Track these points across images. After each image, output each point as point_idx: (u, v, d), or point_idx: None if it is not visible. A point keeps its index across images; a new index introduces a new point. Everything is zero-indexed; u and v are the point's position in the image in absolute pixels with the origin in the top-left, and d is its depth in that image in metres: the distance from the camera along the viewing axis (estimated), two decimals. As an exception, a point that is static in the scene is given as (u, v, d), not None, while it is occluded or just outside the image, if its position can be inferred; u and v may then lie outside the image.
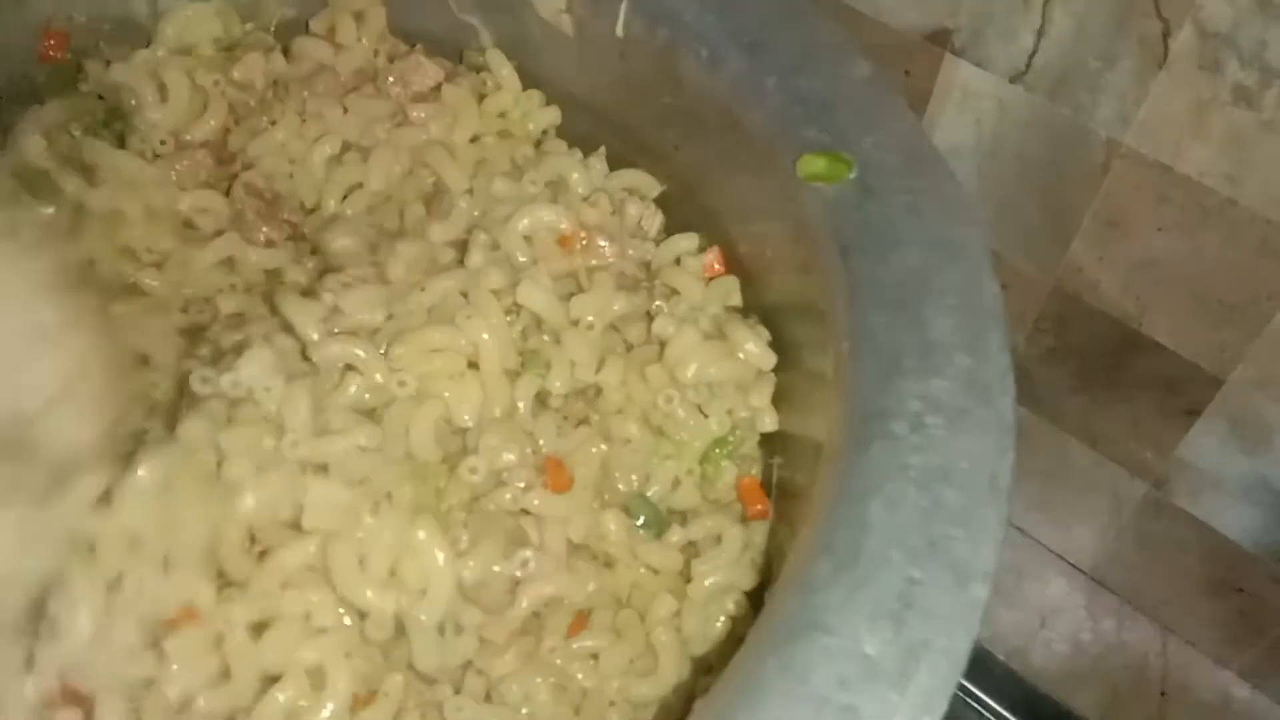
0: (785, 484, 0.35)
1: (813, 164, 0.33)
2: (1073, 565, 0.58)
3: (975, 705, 0.53)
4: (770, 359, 0.36)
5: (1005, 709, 0.53)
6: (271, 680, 0.30)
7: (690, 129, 0.39)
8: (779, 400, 0.36)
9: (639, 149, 0.42)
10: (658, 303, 0.38)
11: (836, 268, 0.31)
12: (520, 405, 0.35)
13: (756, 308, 0.38)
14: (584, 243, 0.38)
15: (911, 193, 0.32)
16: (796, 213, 0.33)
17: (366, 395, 0.34)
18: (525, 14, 0.42)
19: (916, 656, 0.22)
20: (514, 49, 0.43)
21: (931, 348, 0.28)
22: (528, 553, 0.33)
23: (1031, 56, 0.45)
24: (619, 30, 0.40)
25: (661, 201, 0.42)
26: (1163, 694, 0.58)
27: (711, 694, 0.23)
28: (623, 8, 0.39)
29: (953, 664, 0.23)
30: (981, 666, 0.54)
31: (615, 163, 0.42)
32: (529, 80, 0.43)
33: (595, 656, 0.33)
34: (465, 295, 0.36)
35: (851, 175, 0.32)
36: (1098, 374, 0.51)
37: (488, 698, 0.32)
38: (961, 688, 0.53)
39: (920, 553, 0.24)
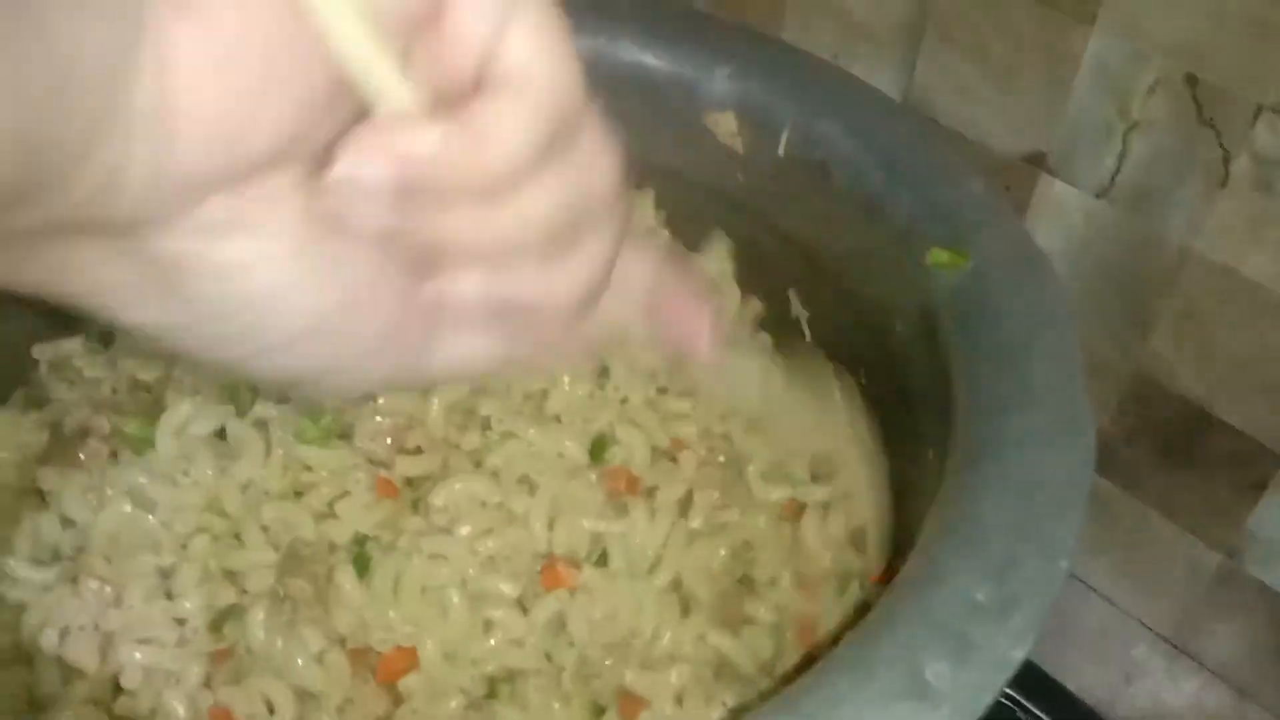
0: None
1: (938, 256, 0.43)
2: (1154, 631, 0.64)
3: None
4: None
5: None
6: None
7: (836, 230, 0.49)
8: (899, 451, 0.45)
9: (790, 244, 0.52)
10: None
11: (955, 335, 0.41)
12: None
13: (882, 369, 0.48)
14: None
15: (1016, 279, 0.41)
16: (924, 294, 0.43)
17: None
18: (704, 137, 0.53)
19: (1015, 603, 0.31)
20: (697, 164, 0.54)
21: (1029, 392, 0.37)
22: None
23: (1114, 176, 0.54)
24: (780, 151, 0.50)
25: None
26: (1242, 758, 0.63)
27: (858, 626, 0.32)
28: (785, 134, 0.50)
29: (1040, 611, 0.31)
30: (1073, 711, 0.60)
31: (773, 257, 0.53)
32: (705, 191, 0.54)
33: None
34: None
35: (968, 266, 0.42)
36: (1176, 452, 0.58)
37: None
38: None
39: (1019, 536, 0.33)
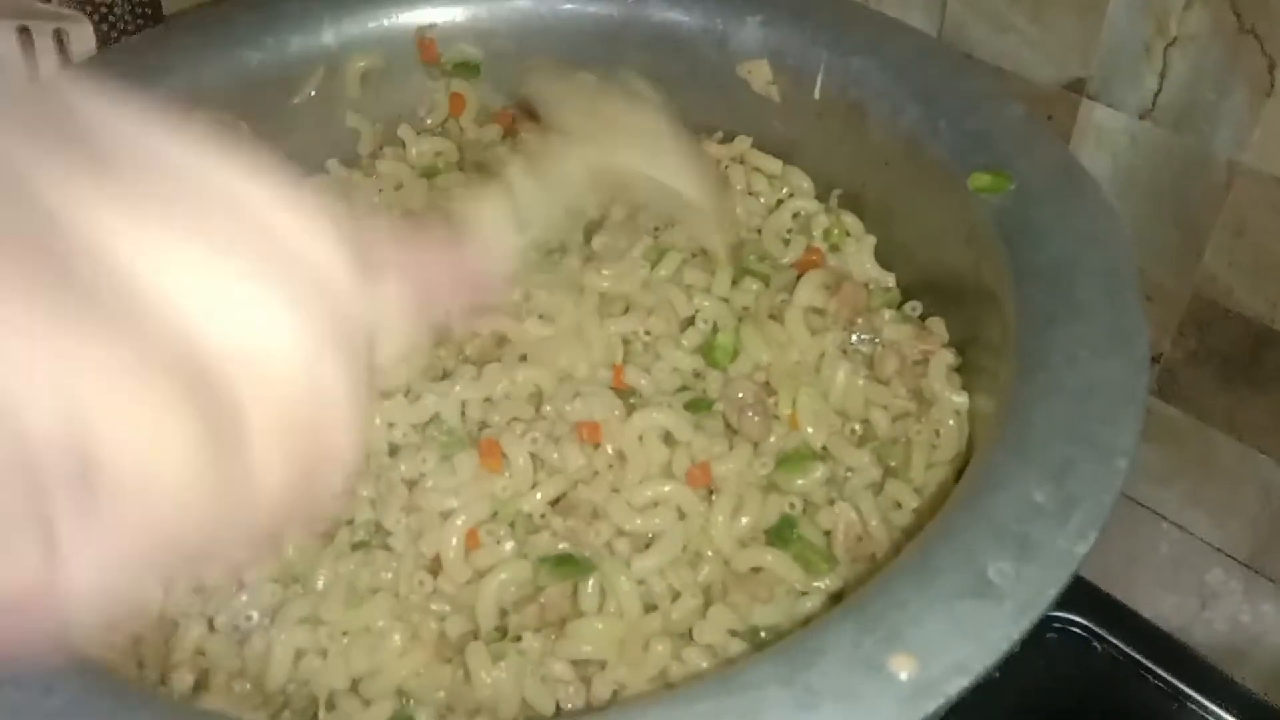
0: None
1: (981, 179, 0.43)
2: (1229, 556, 0.64)
3: (1142, 671, 0.59)
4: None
5: (1172, 675, 0.59)
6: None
7: (876, 167, 0.50)
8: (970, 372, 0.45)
9: (832, 188, 0.53)
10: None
11: (1003, 256, 0.41)
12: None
13: (934, 298, 0.48)
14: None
15: (1061, 197, 0.41)
16: (970, 219, 0.43)
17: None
18: (739, 87, 0.53)
19: (1074, 503, 0.31)
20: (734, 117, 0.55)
21: (1079, 306, 0.37)
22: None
23: (1156, 95, 0.53)
24: (816, 94, 0.51)
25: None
26: (1326, 673, 0.62)
27: (919, 534, 0.33)
28: (819, 77, 0.50)
29: (1100, 510, 0.31)
30: (1147, 636, 0.60)
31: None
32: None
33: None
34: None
35: (1012, 187, 0.42)
36: (1238, 371, 0.58)
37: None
38: (1127, 655, 0.59)
39: (1075, 439, 0.33)
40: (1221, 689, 0.58)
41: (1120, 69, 0.54)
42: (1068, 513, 0.31)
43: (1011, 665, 0.29)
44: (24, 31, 0.64)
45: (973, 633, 0.29)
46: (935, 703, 0.27)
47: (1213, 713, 0.57)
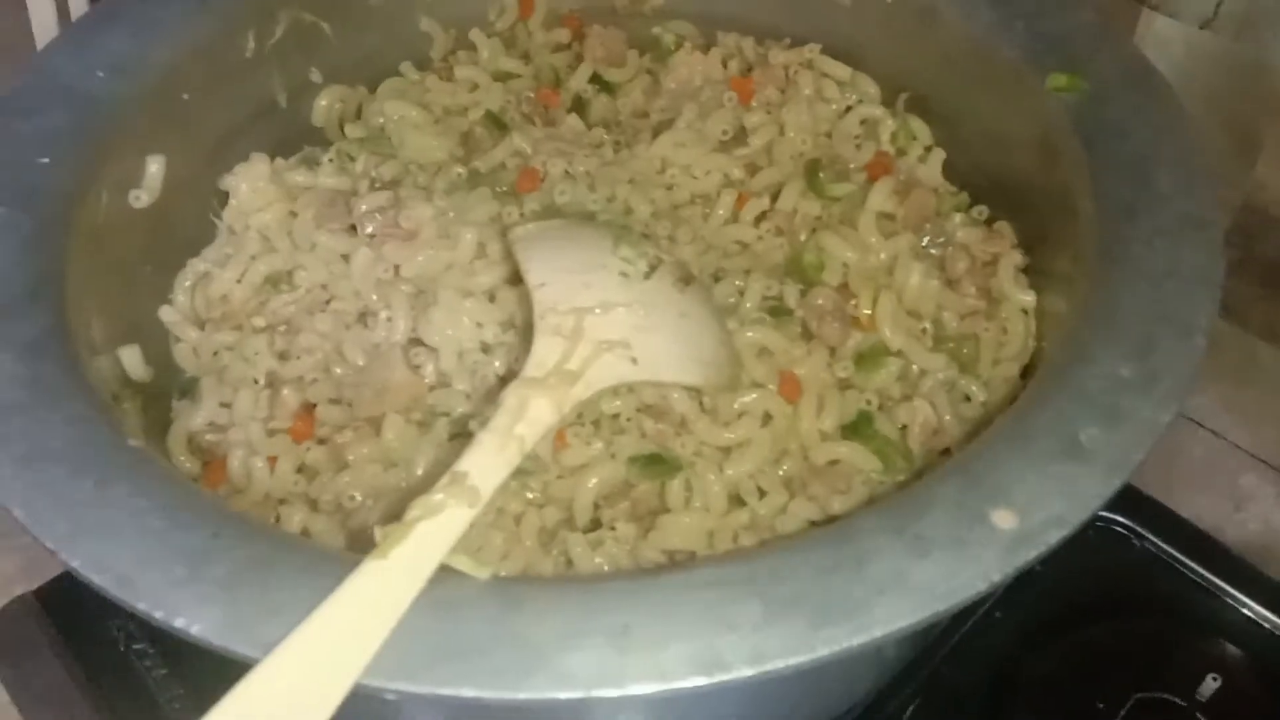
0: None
1: (1058, 79, 0.44)
2: (1263, 461, 0.66)
3: (1177, 566, 0.62)
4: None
5: (1205, 569, 0.61)
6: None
7: (945, 70, 0.51)
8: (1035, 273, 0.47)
9: (899, 92, 0.54)
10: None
11: (1079, 153, 0.42)
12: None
13: (1001, 201, 0.50)
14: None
15: (1134, 97, 0.43)
16: (1045, 117, 0.44)
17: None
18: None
19: (1157, 376, 0.34)
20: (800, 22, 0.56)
21: (1156, 198, 0.39)
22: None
23: (1219, 6, 0.55)
24: (886, -2, 0.52)
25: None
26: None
27: (1012, 406, 0.35)
28: (889, -21, 0.51)
29: (1183, 382, 0.33)
30: (1183, 534, 0.63)
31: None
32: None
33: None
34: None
35: (1086, 87, 0.44)
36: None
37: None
38: (1164, 551, 0.62)
39: (1156, 319, 0.35)
40: (1251, 581, 0.60)
41: (1183, -21, 0.55)
42: (1151, 385, 0.33)
43: (1055, 560, 0.31)
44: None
45: (1067, 490, 0.31)
46: (1035, 551, 0.30)
47: (1243, 603, 0.60)
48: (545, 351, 0.38)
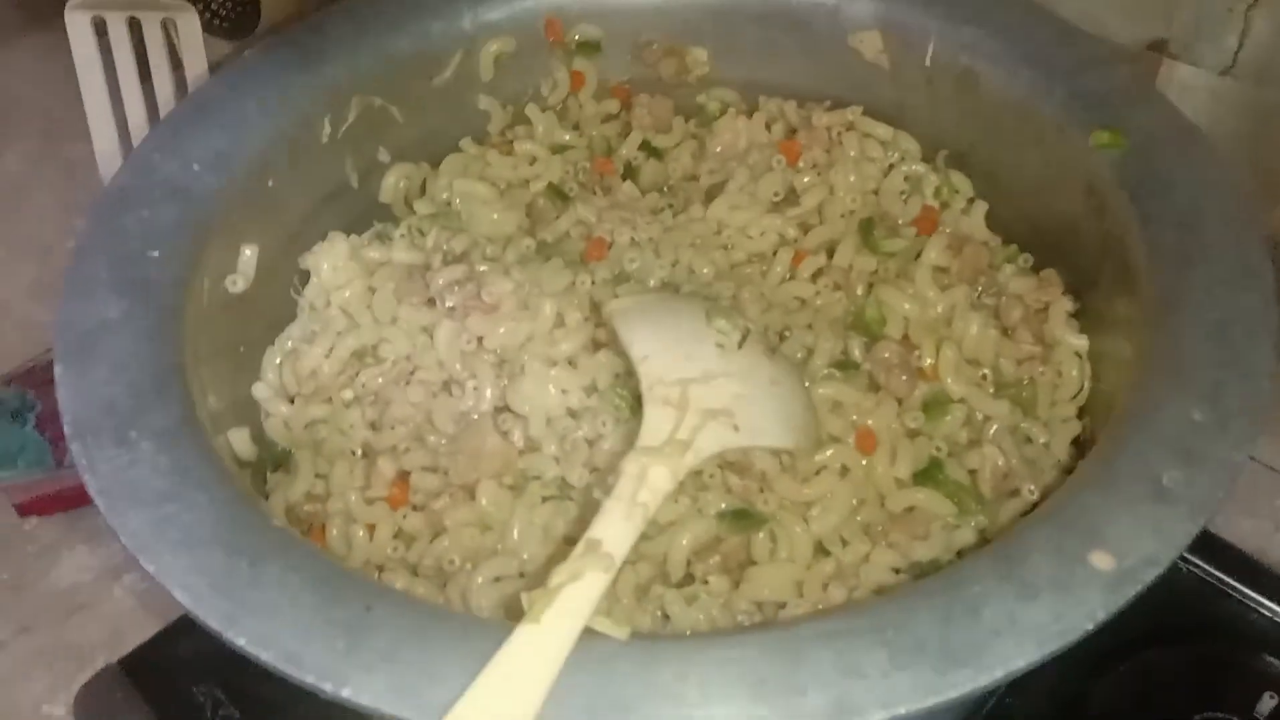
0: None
1: (1101, 137, 0.47)
2: (1299, 483, 0.68)
3: (1224, 589, 0.64)
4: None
5: (1246, 586, 0.64)
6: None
7: (986, 129, 0.54)
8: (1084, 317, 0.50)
9: (938, 149, 0.57)
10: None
11: (1127, 206, 0.45)
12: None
13: (1044, 249, 0.52)
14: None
15: (1176, 151, 0.46)
16: (1089, 171, 0.47)
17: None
18: (849, 56, 0.57)
19: (1229, 418, 0.36)
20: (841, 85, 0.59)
21: (1208, 249, 0.42)
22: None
23: (1237, 54, 0.57)
24: (927, 62, 0.55)
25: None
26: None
27: (1091, 452, 0.37)
28: (930, 46, 0.54)
29: (1253, 425, 0.36)
30: (1226, 555, 0.65)
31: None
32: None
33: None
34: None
35: (1128, 143, 0.47)
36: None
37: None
38: (1210, 575, 0.64)
39: (1221, 364, 0.38)
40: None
41: (1202, 30, 0.58)
42: (1224, 428, 0.36)
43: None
44: (133, 22, 0.68)
45: (1156, 531, 0.33)
46: (1135, 589, 0.32)
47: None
48: (657, 421, 0.40)
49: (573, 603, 0.32)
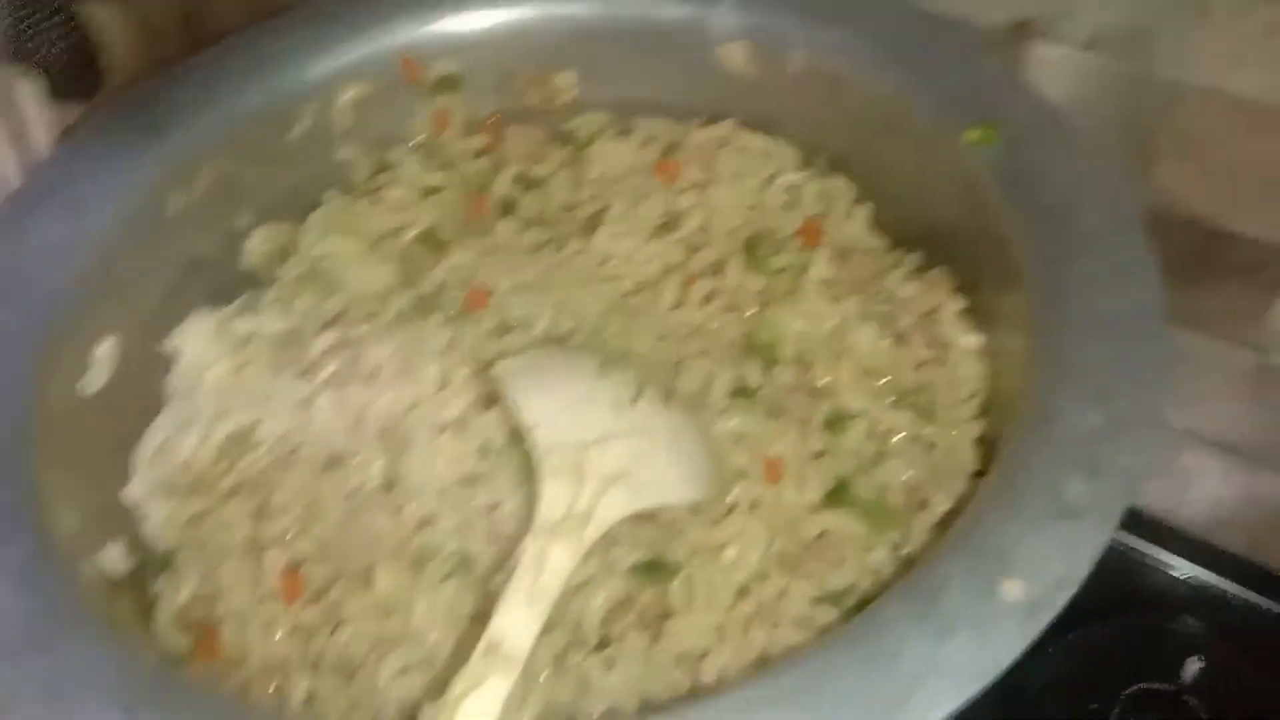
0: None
1: (972, 134, 0.46)
2: (1202, 438, 0.69)
3: (1139, 556, 0.64)
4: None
5: (1164, 550, 0.64)
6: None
7: (861, 132, 0.53)
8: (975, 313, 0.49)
9: (816, 153, 0.56)
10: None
11: (1003, 202, 0.45)
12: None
13: (931, 248, 0.52)
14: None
15: (1050, 142, 0.45)
16: (965, 168, 0.47)
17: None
18: (717, 69, 0.56)
19: (1126, 422, 0.36)
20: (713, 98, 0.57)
21: (1087, 241, 0.41)
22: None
23: (1098, 28, 0.57)
24: (795, 68, 0.54)
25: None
26: (1299, 527, 0.68)
27: (995, 465, 0.36)
28: (797, 51, 0.53)
29: (1153, 426, 0.35)
30: (1140, 522, 0.65)
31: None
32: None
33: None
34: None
35: (1001, 138, 0.46)
36: (1195, 269, 0.62)
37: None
38: (1122, 544, 0.64)
39: (1113, 363, 0.37)
40: (1211, 557, 0.64)
41: (1064, 6, 0.57)
42: (1123, 431, 0.35)
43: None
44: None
45: (1066, 549, 0.32)
46: (1049, 614, 0.31)
47: (1207, 581, 0.63)
48: (554, 495, 0.38)
49: (474, 713, 0.30)
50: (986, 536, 0.33)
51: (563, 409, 0.42)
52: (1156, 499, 0.70)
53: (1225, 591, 0.63)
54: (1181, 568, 0.64)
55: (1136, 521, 0.67)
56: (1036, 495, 0.34)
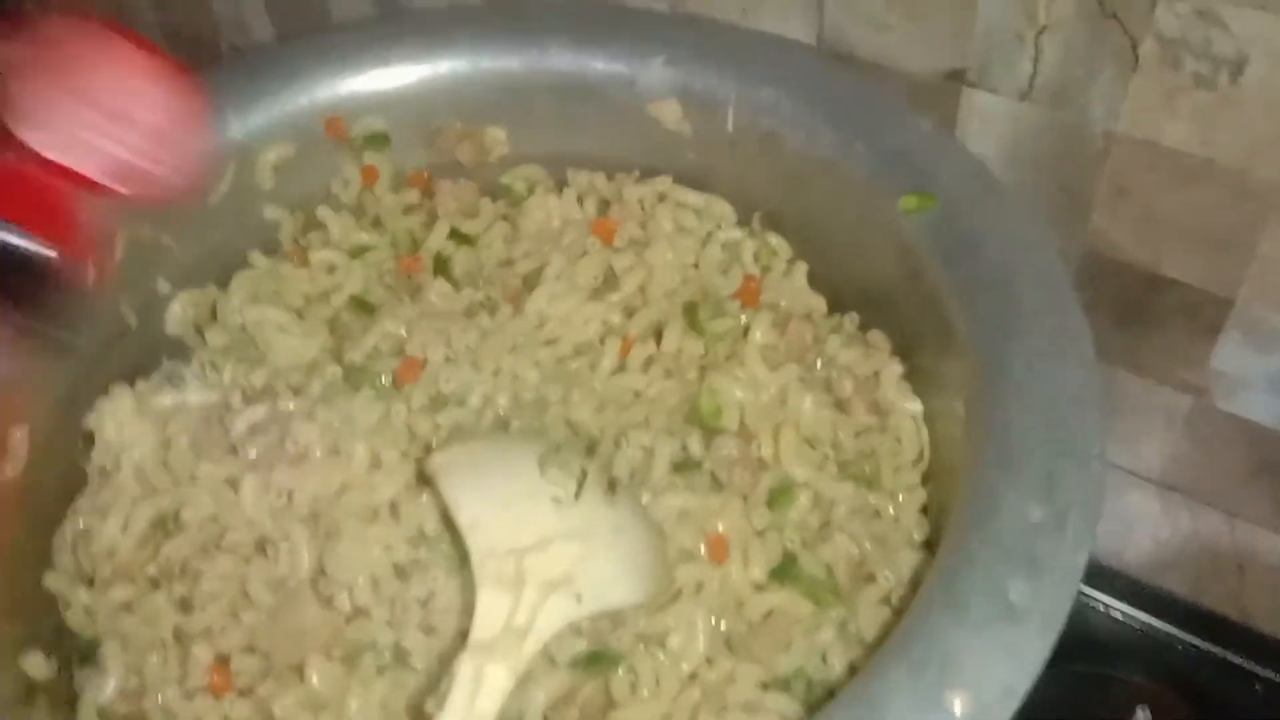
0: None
1: (909, 201, 0.46)
2: (1144, 478, 0.70)
3: (1083, 596, 0.64)
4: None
5: (1110, 596, 0.65)
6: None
7: (797, 190, 0.52)
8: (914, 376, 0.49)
9: (753, 210, 0.55)
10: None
11: (940, 270, 0.44)
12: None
13: (870, 308, 0.51)
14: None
15: (985, 208, 0.45)
16: (900, 234, 0.46)
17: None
18: (650, 125, 0.55)
19: (1065, 515, 0.35)
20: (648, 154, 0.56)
21: (1025, 312, 0.41)
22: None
23: (1032, 79, 0.57)
24: (729, 127, 0.53)
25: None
26: (1238, 566, 0.69)
27: (937, 561, 0.36)
28: (730, 111, 0.52)
29: (1090, 517, 0.35)
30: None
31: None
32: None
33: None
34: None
35: (936, 205, 0.46)
36: (1132, 315, 0.63)
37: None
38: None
39: (1052, 448, 0.37)
40: (1156, 603, 0.64)
41: (996, 57, 0.57)
42: (1062, 525, 0.35)
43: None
44: None
45: (1010, 656, 0.32)
46: (997, 727, 0.30)
47: (1155, 628, 0.63)
48: (490, 607, 0.37)
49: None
50: (931, 644, 0.33)
51: (501, 508, 0.40)
52: (1100, 541, 0.71)
53: (1171, 636, 0.63)
54: (1126, 612, 0.64)
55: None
56: (979, 596, 0.33)
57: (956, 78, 0.59)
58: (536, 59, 0.55)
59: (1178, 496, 0.68)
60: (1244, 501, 0.66)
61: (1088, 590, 0.64)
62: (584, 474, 0.43)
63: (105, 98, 0.35)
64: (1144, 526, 0.70)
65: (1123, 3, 0.52)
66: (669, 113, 0.54)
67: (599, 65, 0.54)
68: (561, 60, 0.55)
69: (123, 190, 0.36)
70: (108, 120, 0.34)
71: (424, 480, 0.45)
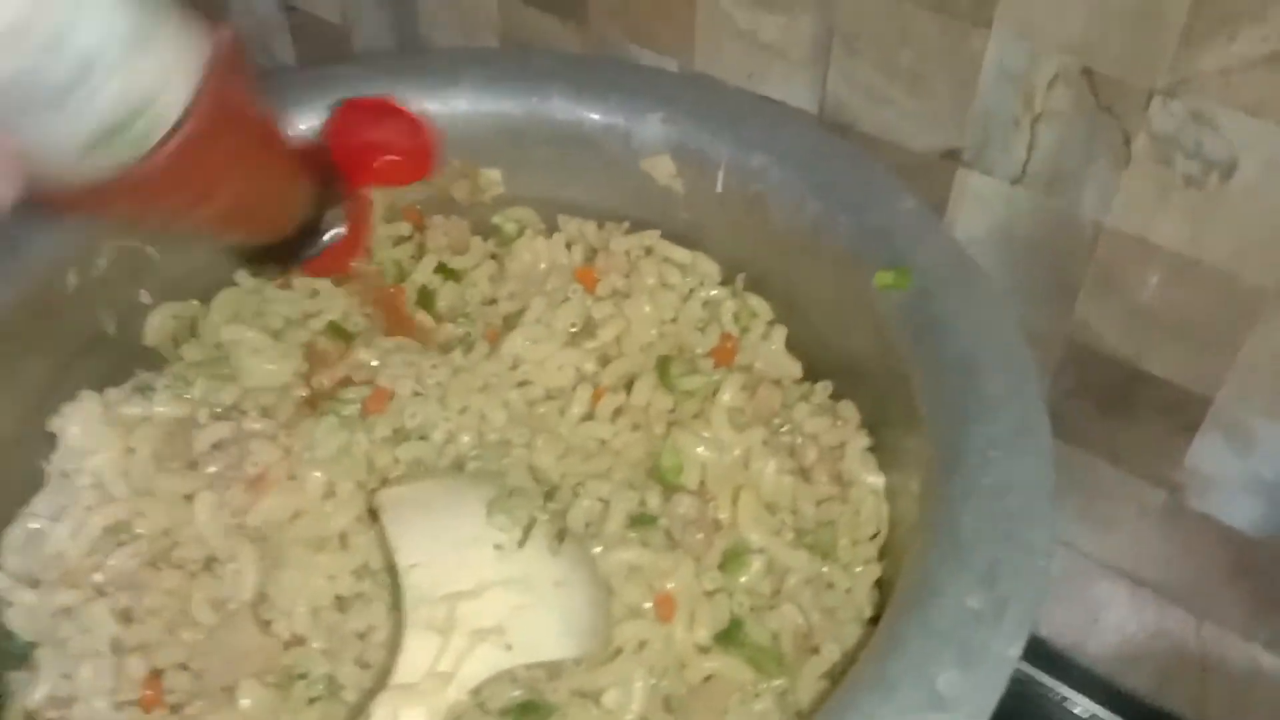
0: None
1: (885, 278, 0.46)
2: (1113, 568, 0.69)
3: (1043, 687, 0.64)
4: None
5: (1070, 689, 0.64)
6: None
7: (780, 255, 0.53)
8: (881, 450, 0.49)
9: (737, 270, 0.55)
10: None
11: (909, 348, 0.44)
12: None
13: (842, 378, 0.51)
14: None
15: (959, 291, 0.45)
16: (876, 310, 0.46)
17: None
18: (643, 179, 0.55)
19: (1004, 607, 0.35)
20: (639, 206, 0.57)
21: (987, 402, 0.41)
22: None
23: (1026, 164, 0.57)
24: (719, 188, 0.53)
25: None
26: (1202, 669, 0.68)
27: (871, 643, 0.35)
28: (720, 172, 0.53)
29: (1030, 609, 0.35)
30: (1045, 654, 0.65)
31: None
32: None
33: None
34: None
35: (911, 284, 0.46)
36: (1112, 405, 0.63)
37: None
38: (1019, 671, 0.64)
39: (999, 540, 0.36)
40: (1116, 699, 0.63)
41: (992, 139, 0.57)
42: (1000, 616, 0.34)
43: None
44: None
45: (933, 747, 0.31)
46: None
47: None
48: (416, 651, 0.37)
49: None
50: (854, 726, 0.32)
51: (442, 552, 0.40)
52: (1064, 628, 0.70)
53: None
54: (1085, 706, 0.64)
55: (1041, 652, 0.66)
56: (908, 682, 0.33)
57: (952, 157, 0.59)
58: (537, 105, 0.56)
59: (1146, 591, 0.67)
60: (1212, 603, 0.65)
61: (1046, 680, 0.64)
62: (531, 522, 0.43)
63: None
64: (1110, 618, 0.69)
65: (1118, 97, 0.52)
66: (662, 168, 0.55)
67: (596, 117, 0.55)
68: (561, 109, 0.55)
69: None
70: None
71: (374, 514, 0.45)
